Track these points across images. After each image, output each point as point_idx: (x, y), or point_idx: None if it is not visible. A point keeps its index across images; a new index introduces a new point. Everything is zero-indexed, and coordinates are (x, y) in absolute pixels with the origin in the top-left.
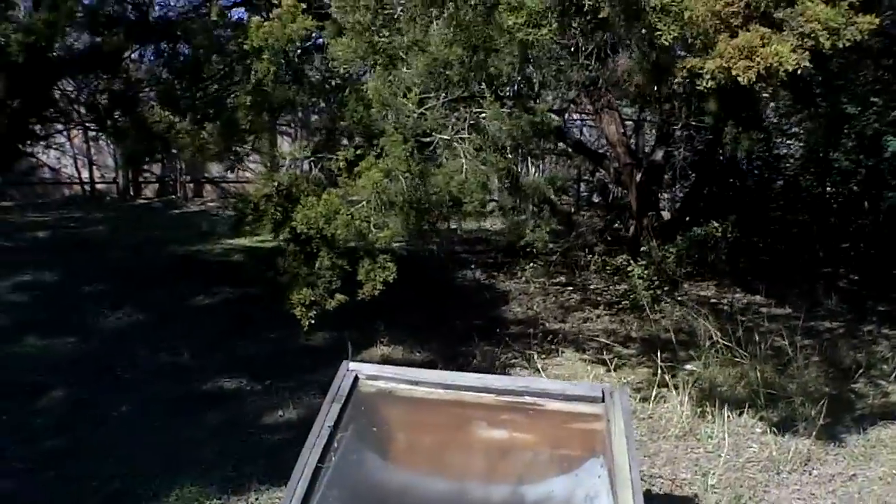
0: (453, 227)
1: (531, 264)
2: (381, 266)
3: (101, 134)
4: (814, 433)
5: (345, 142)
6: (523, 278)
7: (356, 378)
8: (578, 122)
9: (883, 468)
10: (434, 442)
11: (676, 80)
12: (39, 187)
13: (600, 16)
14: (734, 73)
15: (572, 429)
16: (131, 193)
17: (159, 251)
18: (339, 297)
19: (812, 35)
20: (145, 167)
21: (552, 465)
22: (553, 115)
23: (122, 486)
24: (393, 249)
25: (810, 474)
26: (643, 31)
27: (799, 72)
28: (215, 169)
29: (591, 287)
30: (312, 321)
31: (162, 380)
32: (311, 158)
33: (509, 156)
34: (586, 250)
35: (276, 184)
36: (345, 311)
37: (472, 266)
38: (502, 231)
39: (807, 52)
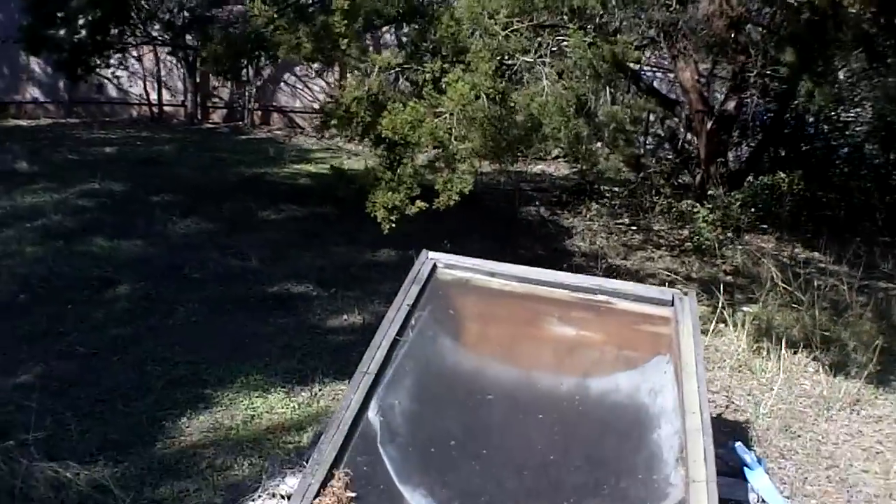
0: (520, 169)
1: (596, 203)
2: (458, 177)
3: (172, 56)
4: (865, 376)
5: (428, 58)
6: (587, 216)
7: (435, 265)
8: (650, 74)
9: None
10: (506, 331)
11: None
12: (106, 107)
13: None
14: None
15: (641, 329)
16: (198, 117)
17: (226, 171)
18: (419, 203)
19: None
20: (214, 92)
21: (619, 361)
22: (633, 49)
23: (186, 371)
24: (471, 162)
25: (859, 414)
26: None
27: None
28: (283, 98)
29: (655, 229)
30: (393, 224)
31: (230, 280)
32: (399, 68)
33: (588, 85)
34: (652, 192)
35: (366, 88)
36: (412, 232)
37: (537, 203)
38: (567, 177)
39: None
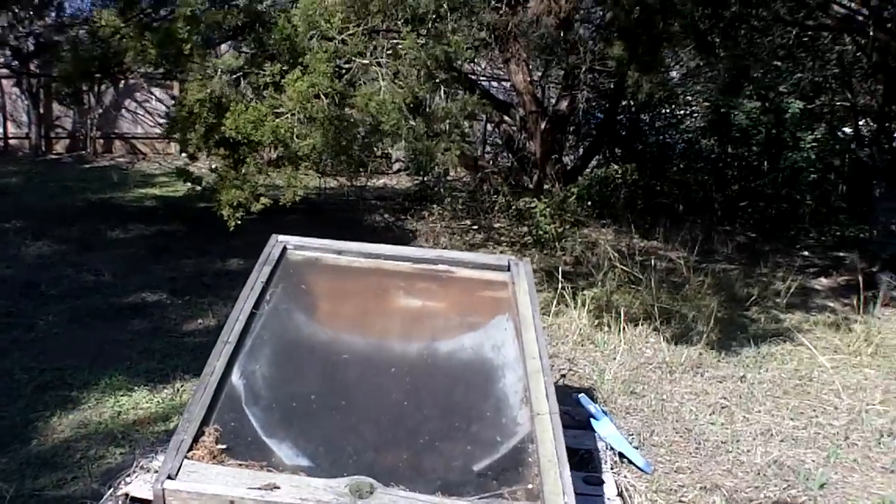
0: (361, 184)
1: (438, 206)
2: (303, 174)
3: (16, 88)
4: (706, 343)
5: (268, 64)
6: (430, 220)
7: (285, 248)
8: (486, 83)
9: (772, 373)
10: (356, 303)
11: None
12: None
13: None
14: None
15: (482, 294)
16: (43, 149)
17: (73, 197)
18: (263, 199)
19: None
20: (57, 123)
21: (463, 325)
22: (464, 49)
23: (53, 377)
24: (313, 159)
25: (702, 376)
26: None
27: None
28: (125, 125)
29: (496, 227)
30: (239, 221)
31: (86, 294)
32: (241, 72)
33: (423, 85)
34: (491, 193)
35: (209, 91)
36: (259, 242)
37: (381, 210)
38: (409, 188)
39: None
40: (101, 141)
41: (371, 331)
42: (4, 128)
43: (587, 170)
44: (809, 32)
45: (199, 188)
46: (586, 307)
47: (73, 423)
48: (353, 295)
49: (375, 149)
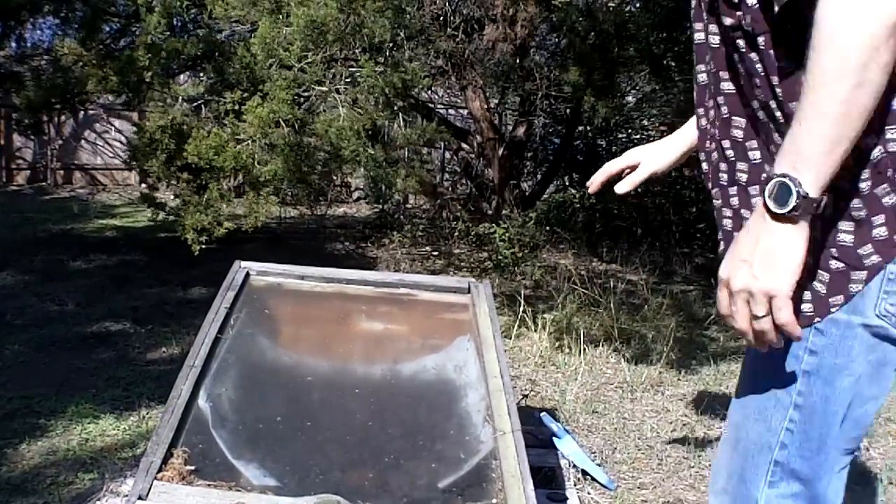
0: (321, 213)
1: (398, 233)
2: (264, 200)
3: None
4: (666, 362)
5: (228, 92)
6: (390, 247)
7: (247, 273)
8: (443, 110)
9: (733, 390)
10: (319, 327)
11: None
12: None
13: None
14: None
15: (443, 316)
16: (4, 180)
17: (35, 228)
18: (227, 224)
19: None
20: (17, 154)
21: (425, 348)
22: (421, 77)
23: (20, 405)
24: (275, 186)
25: (663, 394)
26: None
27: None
28: (84, 156)
29: (456, 252)
30: (203, 245)
31: (51, 323)
32: (202, 100)
33: (382, 112)
34: (450, 218)
35: (170, 118)
36: (221, 271)
37: (341, 238)
38: (368, 217)
39: None
40: (62, 172)
41: (335, 354)
42: None
43: (545, 195)
44: None
45: (162, 214)
46: (547, 330)
47: (41, 450)
48: (316, 319)
49: (335, 177)
